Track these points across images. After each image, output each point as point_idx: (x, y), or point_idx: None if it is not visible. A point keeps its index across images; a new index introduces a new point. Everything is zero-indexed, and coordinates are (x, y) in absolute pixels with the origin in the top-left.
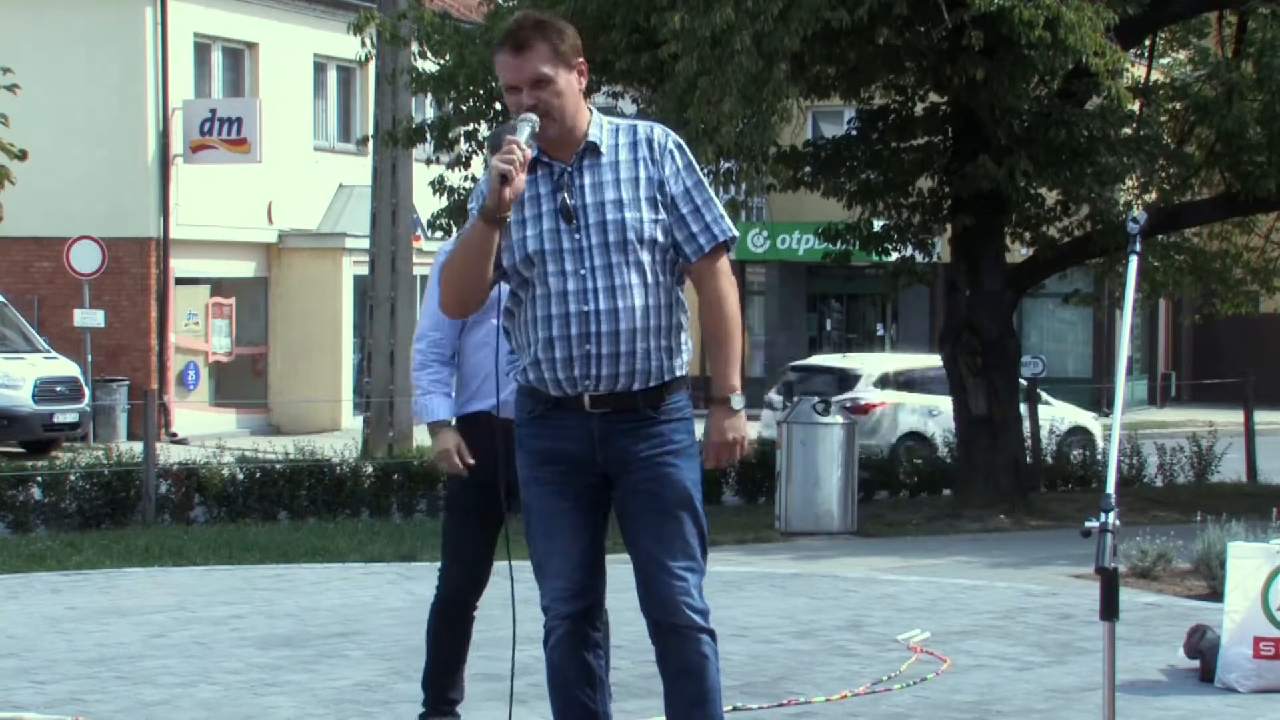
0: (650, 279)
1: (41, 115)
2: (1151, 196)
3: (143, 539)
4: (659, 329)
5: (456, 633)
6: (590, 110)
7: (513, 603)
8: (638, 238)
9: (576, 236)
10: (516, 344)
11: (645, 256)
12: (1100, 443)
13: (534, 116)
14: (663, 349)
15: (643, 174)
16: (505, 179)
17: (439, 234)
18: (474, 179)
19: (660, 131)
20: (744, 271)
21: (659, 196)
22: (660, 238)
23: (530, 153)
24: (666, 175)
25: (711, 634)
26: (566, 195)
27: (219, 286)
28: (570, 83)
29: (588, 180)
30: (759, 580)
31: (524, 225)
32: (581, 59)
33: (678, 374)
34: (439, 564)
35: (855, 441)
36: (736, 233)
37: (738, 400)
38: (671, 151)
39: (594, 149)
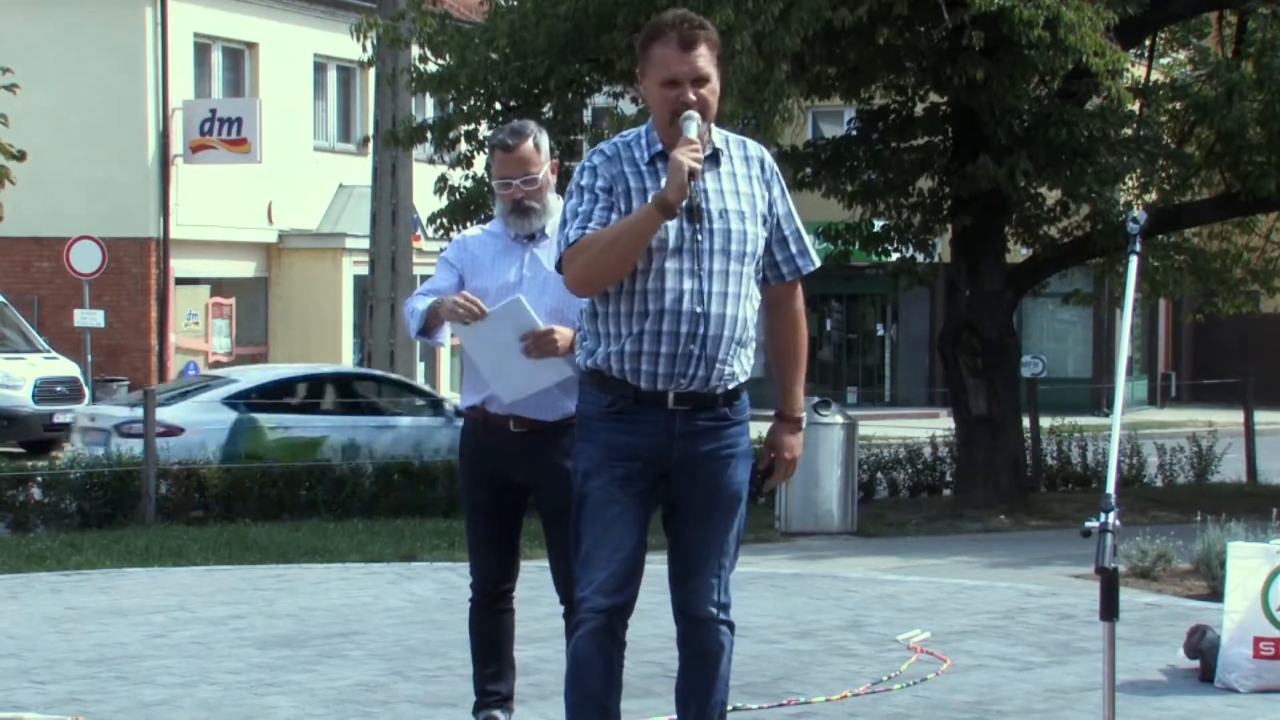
0: (749, 291)
1: (41, 115)
2: (1151, 196)
3: (143, 539)
4: (745, 340)
5: (493, 625)
6: None
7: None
8: (752, 251)
9: (699, 238)
10: (604, 332)
11: (750, 269)
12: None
13: (696, 114)
14: (744, 357)
15: (756, 190)
16: (694, 175)
17: (439, 234)
18: (474, 178)
19: (767, 153)
20: None
21: (766, 215)
22: (760, 254)
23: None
24: (775, 196)
25: (730, 626)
26: (694, 195)
27: (219, 286)
28: (718, 85)
29: (710, 184)
30: (759, 580)
31: None
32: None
33: (748, 377)
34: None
35: (855, 441)
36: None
37: (804, 419)
38: (777, 173)
39: (717, 156)
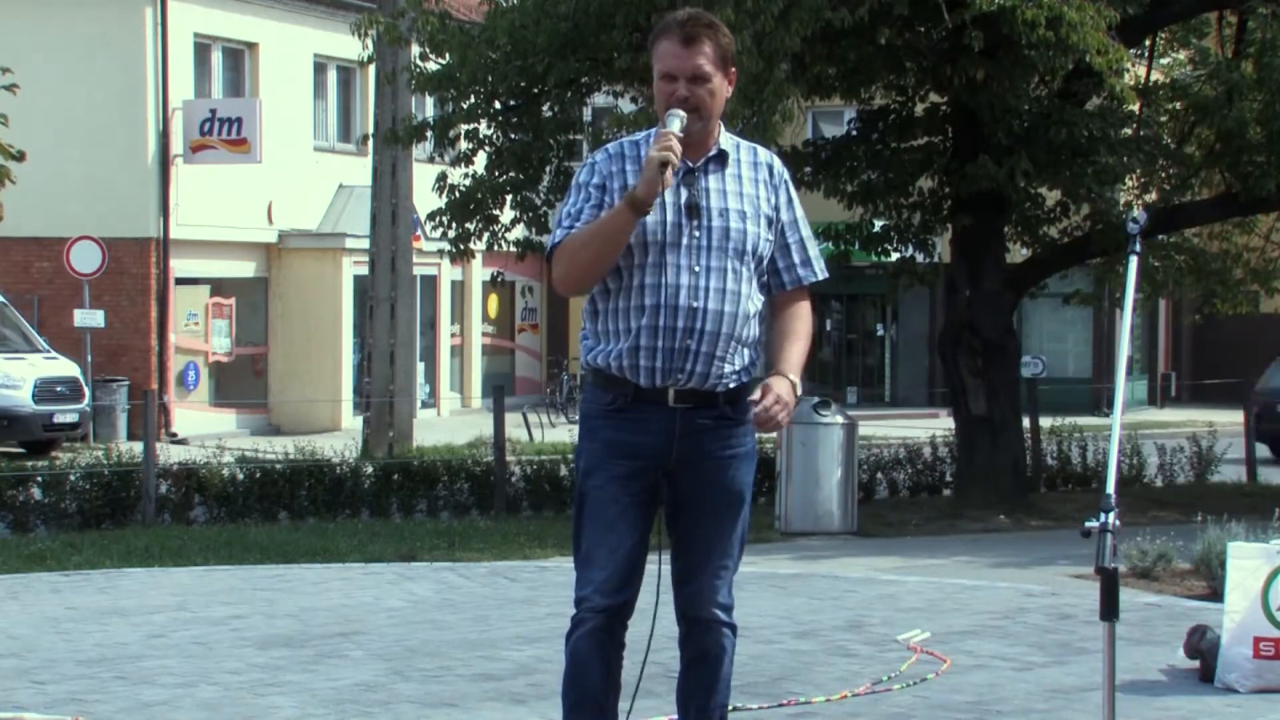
0: (749, 290)
1: (41, 115)
2: (1151, 196)
3: (143, 539)
4: (746, 338)
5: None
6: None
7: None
8: (752, 250)
9: (697, 235)
10: (603, 330)
11: (751, 269)
12: None
13: (683, 112)
14: (746, 357)
15: (762, 193)
16: (664, 167)
17: (439, 233)
18: (474, 176)
19: (778, 161)
20: None
21: (772, 219)
22: (765, 256)
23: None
24: (781, 202)
25: (733, 628)
26: (694, 193)
27: (219, 287)
28: (722, 86)
29: (713, 184)
30: (759, 580)
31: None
32: (734, 68)
33: (750, 377)
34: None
35: (855, 442)
36: (827, 273)
37: (799, 385)
38: (787, 181)
39: (723, 156)
